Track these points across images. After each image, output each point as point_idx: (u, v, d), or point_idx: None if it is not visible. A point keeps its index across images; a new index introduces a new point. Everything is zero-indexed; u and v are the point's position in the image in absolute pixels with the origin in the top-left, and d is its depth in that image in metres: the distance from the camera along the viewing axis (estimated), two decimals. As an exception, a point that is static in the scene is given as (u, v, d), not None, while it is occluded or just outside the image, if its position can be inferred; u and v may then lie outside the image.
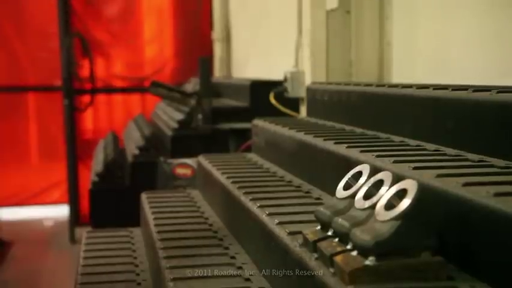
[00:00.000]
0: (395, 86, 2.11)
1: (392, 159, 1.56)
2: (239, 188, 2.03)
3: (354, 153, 1.75)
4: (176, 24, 7.26)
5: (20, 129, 7.42)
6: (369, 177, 1.35)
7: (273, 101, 3.55)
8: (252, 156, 2.76)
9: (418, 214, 1.14)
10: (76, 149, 7.04)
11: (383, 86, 2.21)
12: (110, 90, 7.21)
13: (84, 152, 7.06)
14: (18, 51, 7.34)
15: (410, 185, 1.18)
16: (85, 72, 7.01)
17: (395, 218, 1.14)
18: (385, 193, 1.22)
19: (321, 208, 1.38)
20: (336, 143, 1.91)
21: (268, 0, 4.99)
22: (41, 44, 7.32)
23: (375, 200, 1.25)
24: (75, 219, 6.76)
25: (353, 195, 1.34)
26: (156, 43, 7.31)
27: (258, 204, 1.78)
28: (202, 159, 2.75)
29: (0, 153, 7.29)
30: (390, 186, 1.23)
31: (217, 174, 2.37)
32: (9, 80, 7.33)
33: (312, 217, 1.42)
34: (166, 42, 7.31)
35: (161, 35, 7.30)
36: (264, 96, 3.68)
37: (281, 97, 3.55)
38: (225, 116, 4.10)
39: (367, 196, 1.28)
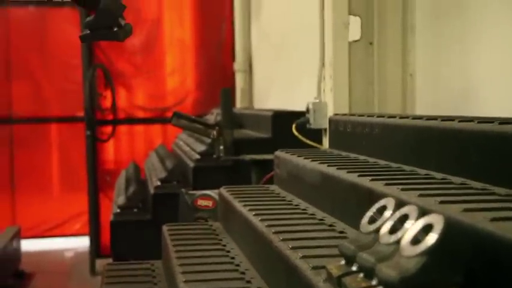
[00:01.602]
0: (420, 117, 2.10)
1: (418, 192, 1.54)
2: (262, 220, 2.01)
3: (378, 186, 1.73)
4: (198, 56, 7.31)
5: (43, 160, 7.47)
6: (394, 211, 1.33)
7: (295, 132, 3.53)
8: (274, 188, 2.74)
9: (444, 250, 1.12)
10: (97, 179, 7.06)
11: (407, 117, 2.19)
12: (131, 121, 7.25)
13: (106, 182, 7.08)
14: (42, 82, 7.42)
15: (436, 220, 1.16)
16: (107, 103, 7.06)
17: (422, 254, 1.12)
18: (411, 228, 1.20)
19: (345, 242, 1.36)
20: (360, 176, 1.89)
21: (290, 32, 5.00)
22: (65, 75, 7.40)
23: (400, 235, 1.22)
24: (96, 250, 6.75)
25: (378, 230, 1.32)
26: (178, 74, 7.36)
27: (281, 238, 1.76)
28: (224, 191, 2.74)
29: (22, 183, 7.34)
30: (416, 221, 1.21)
31: (239, 206, 2.36)
32: (33, 111, 7.41)
33: (335, 251, 1.40)
34: (188, 74, 7.36)
35: (183, 67, 7.34)
36: (286, 127, 3.67)
37: (303, 128, 3.54)
38: (247, 147, 4.09)
39: (392, 230, 1.26)
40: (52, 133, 7.53)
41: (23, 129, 7.40)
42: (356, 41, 3.24)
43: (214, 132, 4.10)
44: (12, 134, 7.32)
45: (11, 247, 5.48)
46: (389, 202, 1.37)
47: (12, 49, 7.18)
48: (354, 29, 3.25)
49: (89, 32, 3.11)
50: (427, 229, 1.15)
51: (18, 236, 6.06)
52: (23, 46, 7.32)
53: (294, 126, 3.57)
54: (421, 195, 1.51)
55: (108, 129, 7.11)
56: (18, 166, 7.33)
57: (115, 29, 3.05)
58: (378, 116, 2.47)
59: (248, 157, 3.83)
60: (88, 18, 3.09)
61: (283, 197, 2.51)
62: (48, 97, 7.43)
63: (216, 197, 3.38)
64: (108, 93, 7.02)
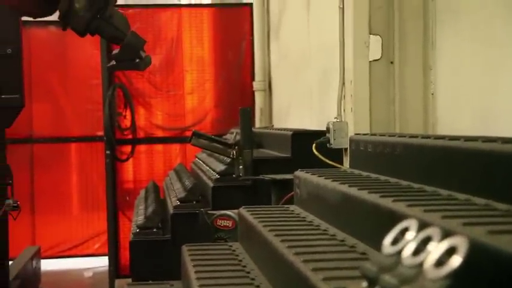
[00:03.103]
0: (442, 137, 2.08)
1: (441, 214, 1.52)
2: (282, 241, 2.00)
3: (400, 207, 1.71)
4: (217, 75, 7.33)
5: (62, 180, 7.51)
6: (417, 232, 1.31)
7: (315, 152, 3.52)
8: (294, 209, 2.73)
9: (468, 273, 1.10)
10: (117, 199, 7.08)
11: (429, 137, 2.17)
12: (150, 140, 7.27)
13: (125, 202, 7.09)
14: (62, 102, 7.48)
15: (460, 242, 1.14)
16: (127, 122, 7.08)
17: (446, 277, 1.10)
18: (434, 250, 1.18)
19: (367, 264, 1.34)
20: (381, 196, 1.87)
21: (310, 51, 5.01)
22: (85, 95, 7.46)
23: (423, 257, 1.21)
24: (115, 270, 6.74)
25: (400, 251, 1.30)
26: (197, 93, 7.38)
27: (302, 259, 1.74)
28: (244, 211, 2.73)
29: (42, 203, 7.37)
30: (439, 243, 1.19)
31: (259, 226, 2.34)
32: (53, 130, 7.46)
33: (357, 273, 1.38)
34: (207, 93, 7.37)
35: (202, 86, 7.36)
36: (306, 146, 3.65)
37: (323, 148, 3.52)
38: (266, 166, 4.08)
39: (415, 252, 1.24)
40: (72, 153, 7.57)
41: (43, 149, 7.45)
42: (376, 60, 3.23)
43: (234, 152, 4.09)
44: (33, 153, 7.36)
45: (30, 267, 5.49)
46: (412, 223, 1.35)
47: (33, 69, 7.24)
48: (375, 48, 3.25)
49: (115, 63, 3.73)
50: (450, 251, 1.14)
51: (38, 255, 6.07)
52: (43, 66, 7.38)
53: (314, 145, 3.55)
54: (444, 217, 1.49)
55: (128, 148, 7.13)
56: (38, 185, 7.37)
57: (137, 61, 3.60)
58: (399, 136, 2.45)
59: (268, 177, 3.82)
60: (114, 51, 3.72)
61: (304, 218, 2.49)
62: (68, 117, 7.48)
63: (236, 217, 3.37)
64: (127, 113, 7.05)
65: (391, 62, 3.24)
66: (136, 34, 3.72)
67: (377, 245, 1.73)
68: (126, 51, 3.65)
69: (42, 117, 7.37)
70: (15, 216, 4.44)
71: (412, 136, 2.33)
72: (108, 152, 6.83)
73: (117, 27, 3.63)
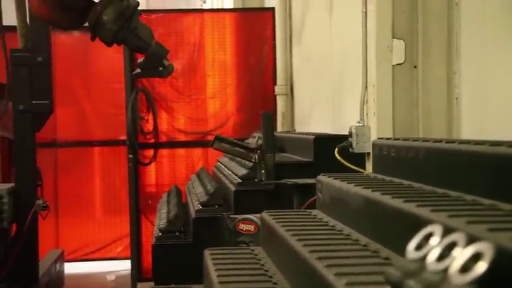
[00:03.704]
0: (467, 142, 2.06)
1: (466, 219, 1.50)
2: (304, 246, 1.99)
3: (424, 212, 1.69)
4: (239, 79, 7.34)
5: (85, 183, 7.56)
6: (441, 238, 1.30)
7: (337, 156, 3.51)
8: (317, 213, 2.72)
9: (494, 279, 1.09)
10: (139, 203, 7.11)
11: (453, 142, 2.15)
12: (173, 144, 7.30)
13: (147, 206, 7.12)
14: (86, 106, 7.53)
15: (485, 248, 1.13)
16: (149, 126, 7.11)
17: (471, 283, 1.09)
18: (459, 256, 1.17)
19: (390, 269, 1.33)
20: (405, 201, 1.86)
21: (333, 55, 4.99)
22: (107, 99, 7.51)
23: (448, 263, 1.20)
24: (137, 274, 6.77)
25: (424, 257, 1.29)
26: (219, 97, 7.39)
27: (325, 264, 1.73)
28: (266, 216, 2.72)
29: (66, 206, 7.42)
30: (464, 249, 1.18)
31: (281, 231, 2.34)
32: (77, 135, 7.52)
33: (380, 278, 1.38)
34: (229, 97, 7.38)
35: (224, 90, 7.38)
36: (328, 151, 3.65)
37: (346, 152, 3.51)
38: (289, 171, 4.07)
39: (439, 258, 1.23)
40: (95, 156, 7.62)
41: (67, 153, 7.51)
42: (400, 64, 3.22)
43: (256, 156, 4.09)
44: (56, 157, 7.43)
45: (54, 270, 5.53)
46: (437, 229, 1.35)
47: (57, 74, 7.30)
48: (398, 52, 3.23)
49: (140, 71, 4.02)
50: (476, 257, 1.13)
51: (61, 259, 6.11)
52: (67, 71, 7.44)
53: (336, 150, 3.54)
54: (469, 222, 1.48)
55: (150, 152, 7.16)
56: (62, 189, 7.43)
57: (160, 69, 3.85)
58: (423, 141, 2.43)
59: (290, 181, 3.81)
60: (139, 60, 3.99)
61: (326, 222, 2.48)
62: (91, 121, 7.54)
63: (258, 221, 3.37)
64: (150, 117, 7.08)
65: (415, 66, 3.23)
66: (160, 44, 3.91)
67: (400, 250, 1.72)
68: (150, 60, 3.88)
69: (66, 122, 7.42)
70: (45, 216, 4.60)
71: (436, 141, 2.31)
72: (130, 155, 6.87)
73: (142, 38, 3.83)
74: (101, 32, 3.76)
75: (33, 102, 4.45)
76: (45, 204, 4.45)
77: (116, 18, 3.73)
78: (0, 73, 4.68)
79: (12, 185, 4.52)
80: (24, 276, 4.39)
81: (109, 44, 3.87)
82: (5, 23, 4.65)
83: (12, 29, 4.74)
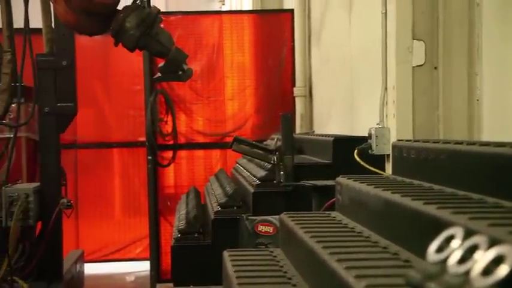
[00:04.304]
0: (487, 144, 2.04)
1: (487, 222, 1.49)
2: (324, 247, 1.98)
3: (445, 214, 1.68)
4: (258, 81, 7.34)
5: (105, 184, 7.60)
6: (463, 240, 1.29)
7: (357, 158, 3.49)
8: (336, 215, 2.71)
9: (517, 281, 1.07)
10: (158, 204, 7.13)
11: (474, 144, 2.14)
12: (191, 146, 7.31)
13: (166, 207, 7.14)
14: (105, 108, 7.57)
15: (508, 251, 1.12)
16: (168, 128, 7.13)
17: (493, 286, 1.08)
18: (481, 258, 1.16)
19: (411, 271, 1.32)
20: (425, 203, 1.85)
21: (352, 56, 4.98)
22: (127, 101, 7.54)
23: (469, 266, 1.19)
24: (156, 275, 6.79)
25: (446, 259, 1.28)
26: (237, 99, 7.40)
27: (344, 265, 1.73)
28: (285, 217, 2.72)
29: (86, 207, 7.46)
30: (486, 251, 1.17)
31: (300, 233, 2.33)
32: (97, 136, 7.55)
33: (400, 280, 1.37)
34: (247, 99, 7.39)
35: (243, 91, 7.38)
36: (347, 153, 3.63)
37: (365, 154, 3.50)
38: (308, 172, 4.07)
39: (461, 261, 1.22)
40: (114, 158, 7.65)
41: (87, 154, 7.55)
42: (420, 65, 3.20)
43: (275, 158, 4.09)
44: (77, 158, 7.47)
45: (74, 270, 5.57)
46: (458, 231, 1.33)
47: (77, 76, 7.36)
48: (418, 53, 3.21)
49: (160, 75, 4.17)
50: (498, 260, 1.11)
51: (81, 259, 6.15)
52: (87, 73, 7.48)
53: (355, 152, 3.53)
54: (491, 225, 1.46)
55: (169, 154, 7.18)
56: (82, 190, 7.47)
57: (180, 73, 4.01)
58: (443, 142, 2.42)
59: (308, 183, 3.80)
60: (160, 65, 4.14)
61: (345, 224, 2.47)
62: (110, 122, 7.57)
63: (277, 222, 3.36)
64: (169, 119, 7.10)
65: (435, 68, 3.20)
66: (179, 49, 4.06)
67: (420, 253, 1.71)
68: (170, 65, 4.02)
69: (86, 123, 7.46)
70: (69, 214, 4.71)
71: (457, 142, 2.29)
72: (149, 157, 6.89)
73: (163, 44, 3.96)
74: (124, 38, 3.90)
75: (58, 104, 4.61)
76: (69, 203, 4.60)
77: (138, 25, 3.87)
78: (26, 77, 4.76)
79: (37, 184, 4.64)
80: (48, 273, 4.50)
81: (131, 50, 4.02)
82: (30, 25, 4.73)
83: (36, 31, 4.85)
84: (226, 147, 6.71)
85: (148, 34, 3.89)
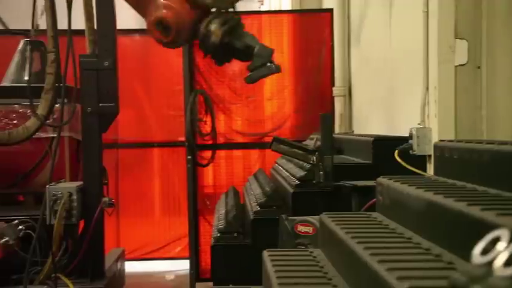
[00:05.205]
0: (532, 144, 2.01)
1: (534, 223, 1.46)
2: (365, 248, 1.97)
3: (489, 216, 1.66)
4: (297, 81, 7.32)
5: (145, 184, 7.66)
6: (509, 243, 1.27)
7: (398, 158, 3.46)
8: (377, 216, 2.69)
9: None
10: (197, 203, 7.16)
11: (518, 144, 2.10)
12: (230, 145, 7.33)
13: (205, 206, 7.18)
14: (146, 108, 7.64)
15: (556, 254, 1.09)
16: (207, 128, 7.16)
17: (541, 288, 1.06)
18: (528, 261, 1.14)
19: (456, 274, 1.30)
20: (469, 205, 1.82)
21: (392, 56, 4.94)
22: (167, 101, 7.59)
23: (516, 268, 1.16)
24: (196, 274, 6.82)
25: (491, 262, 1.26)
26: (276, 99, 7.39)
27: (387, 267, 1.71)
28: (325, 218, 2.71)
29: (126, 206, 7.53)
30: (533, 254, 1.15)
31: (341, 233, 2.32)
32: (137, 136, 7.62)
33: (443, 283, 1.35)
34: (286, 99, 7.38)
35: (282, 92, 7.37)
36: (388, 153, 3.60)
37: (406, 155, 3.46)
38: (347, 173, 4.04)
39: (507, 263, 1.20)
40: (154, 157, 7.71)
41: (128, 153, 7.63)
42: (462, 65, 3.16)
43: (314, 158, 4.08)
44: (118, 158, 7.55)
45: (116, 268, 5.62)
46: (503, 233, 1.31)
47: (118, 76, 7.44)
48: (461, 52, 3.17)
49: (250, 73, 4.19)
50: (546, 263, 1.09)
51: (122, 257, 6.21)
52: (128, 73, 7.55)
53: (396, 152, 3.50)
54: (537, 227, 1.43)
55: (208, 154, 7.21)
56: (123, 189, 7.54)
57: (268, 64, 4.06)
58: (487, 143, 2.38)
59: (348, 183, 3.78)
60: (248, 65, 4.21)
61: (386, 225, 2.45)
62: (151, 122, 7.63)
63: (316, 223, 3.35)
64: (208, 119, 7.13)
65: (478, 67, 3.16)
66: (264, 45, 4.17)
67: (464, 255, 1.69)
68: (257, 61, 4.10)
69: (127, 123, 7.53)
70: (110, 213, 4.79)
71: (501, 143, 2.26)
72: (189, 157, 6.93)
73: (247, 42, 4.11)
74: (209, 39, 4.01)
75: (100, 104, 4.68)
76: (111, 202, 4.67)
77: (222, 24, 4.02)
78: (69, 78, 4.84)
79: (80, 183, 4.71)
80: (91, 270, 4.57)
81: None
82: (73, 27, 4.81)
83: (79, 33, 4.94)
84: (265, 147, 6.71)
85: (231, 33, 4.02)
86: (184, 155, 7.04)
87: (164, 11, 3.95)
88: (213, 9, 4.05)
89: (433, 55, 3.26)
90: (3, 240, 4.30)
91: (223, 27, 3.99)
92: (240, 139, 7.35)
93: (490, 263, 1.26)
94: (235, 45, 4.08)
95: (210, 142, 7.15)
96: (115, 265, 5.58)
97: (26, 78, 5.20)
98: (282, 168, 5.34)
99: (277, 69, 4.11)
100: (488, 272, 1.24)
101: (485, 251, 1.30)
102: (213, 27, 3.98)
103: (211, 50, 4.06)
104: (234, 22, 4.06)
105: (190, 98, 6.89)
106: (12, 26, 7.86)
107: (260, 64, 4.06)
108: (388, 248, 1.99)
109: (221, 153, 7.31)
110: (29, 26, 5.32)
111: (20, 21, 6.77)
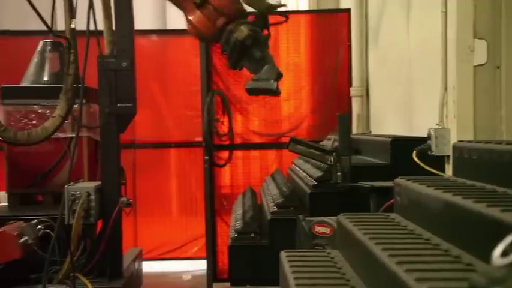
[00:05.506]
0: (553, 145, 1.99)
1: (555, 225, 1.45)
2: (383, 249, 1.96)
3: (509, 217, 1.64)
4: (314, 81, 7.31)
5: (162, 184, 7.68)
6: (529, 244, 1.26)
7: (416, 159, 3.44)
8: (395, 217, 2.68)
9: None
10: (214, 203, 7.17)
11: (538, 145, 2.08)
12: (247, 146, 7.33)
13: (222, 207, 7.18)
14: (163, 108, 7.66)
15: None
16: (224, 128, 7.17)
17: (562, 291, 1.05)
18: (549, 263, 1.13)
19: (476, 275, 1.29)
20: (488, 206, 1.81)
21: (410, 56, 4.92)
22: (184, 102, 7.61)
23: (537, 270, 1.15)
24: (213, 274, 6.83)
25: (511, 264, 1.25)
26: (293, 100, 7.39)
27: (405, 268, 1.70)
28: (343, 218, 2.70)
29: (144, 206, 7.56)
30: (554, 256, 1.14)
31: (359, 234, 2.31)
32: (154, 136, 7.65)
33: (463, 285, 1.34)
34: (303, 99, 7.37)
35: (299, 92, 7.36)
36: (406, 153, 3.58)
37: (424, 155, 3.44)
38: (365, 173, 4.03)
39: (528, 265, 1.19)
40: (171, 157, 7.73)
41: (145, 154, 7.65)
42: (482, 65, 3.14)
43: (332, 158, 4.07)
44: (135, 158, 7.58)
45: (133, 268, 5.65)
46: (524, 235, 1.30)
47: (136, 76, 7.46)
48: (480, 52, 3.15)
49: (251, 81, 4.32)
50: None
51: (140, 257, 6.24)
52: (145, 73, 7.58)
53: (414, 153, 3.48)
54: (558, 228, 1.42)
55: (225, 154, 7.22)
56: (140, 189, 7.57)
57: (271, 81, 4.31)
58: (506, 144, 2.36)
59: (366, 184, 3.77)
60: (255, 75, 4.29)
61: (405, 226, 2.44)
62: (168, 123, 7.65)
63: (334, 223, 3.34)
64: (225, 119, 7.14)
65: (498, 67, 3.14)
66: (275, 66, 4.37)
67: (483, 257, 1.68)
68: (263, 74, 4.28)
69: (144, 123, 7.56)
70: (128, 212, 4.83)
71: (520, 144, 2.24)
72: (206, 157, 6.94)
73: (264, 58, 4.27)
74: (230, 39, 4.15)
75: (118, 105, 4.72)
76: (128, 202, 4.72)
77: (249, 29, 4.17)
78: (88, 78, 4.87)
79: (98, 183, 4.74)
80: (109, 270, 4.60)
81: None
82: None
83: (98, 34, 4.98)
84: (282, 147, 6.70)
85: (255, 40, 4.17)
86: (202, 156, 7.05)
87: (190, 26, 4.23)
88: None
89: (451, 55, 3.24)
90: (23, 239, 4.34)
91: (251, 31, 4.14)
92: (257, 139, 7.35)
93: (510, 265, 1.25)
94: (253, 52, 4.19)
95: (227, 142, 7.15)
96: (133, 265, 5.61)
97: (46, 78, 5.26)
98: (299, 169, 5.33)
99: (277, 90, 4.32)
100: (508, 274, 1.24)
101: (505, 253, 1.29)
102: (242, 26, 4.14)
103: (230, 47, 4.15)
104: (261, 35, 4.22)
105: (208, 99, 6.91)
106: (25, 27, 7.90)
107: (265, 78, 4.23)
108: (406, 249, 1.98)
109: (238, 154, 7.31)
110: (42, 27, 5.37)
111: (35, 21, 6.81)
